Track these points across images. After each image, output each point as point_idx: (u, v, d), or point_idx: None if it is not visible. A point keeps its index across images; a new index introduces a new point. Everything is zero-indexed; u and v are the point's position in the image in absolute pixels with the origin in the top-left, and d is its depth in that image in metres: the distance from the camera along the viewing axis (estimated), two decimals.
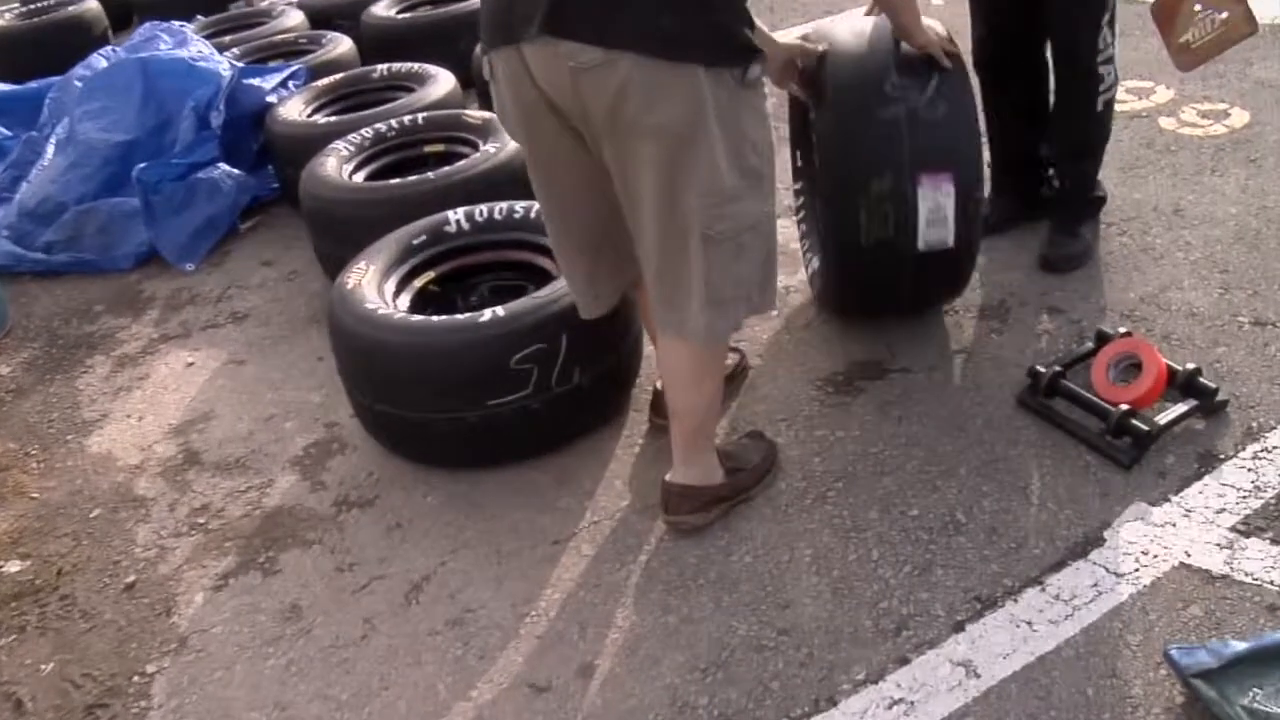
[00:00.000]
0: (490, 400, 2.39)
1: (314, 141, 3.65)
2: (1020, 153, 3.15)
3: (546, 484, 2.48)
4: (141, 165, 3.80)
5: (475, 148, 3.41)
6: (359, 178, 3.39)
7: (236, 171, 3.93)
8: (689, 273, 1.96)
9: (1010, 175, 3.20)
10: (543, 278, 2.71)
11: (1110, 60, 2.78)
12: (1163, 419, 2.32)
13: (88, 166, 4.03)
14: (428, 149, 3.56)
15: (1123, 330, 2.55)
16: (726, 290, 1.99)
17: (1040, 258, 3.00)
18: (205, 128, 3.97)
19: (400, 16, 5.03)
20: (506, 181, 3.18)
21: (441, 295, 2.79)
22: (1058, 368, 2.46)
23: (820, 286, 2.88)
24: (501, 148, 3.24)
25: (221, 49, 4.86)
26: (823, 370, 2.71)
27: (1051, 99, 3.01)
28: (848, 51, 2.45)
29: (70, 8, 6.57)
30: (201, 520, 2.59)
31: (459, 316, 2.39)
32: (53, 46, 6.10)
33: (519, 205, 2.78)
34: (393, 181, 3.18)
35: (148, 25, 5.01)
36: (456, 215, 2.80)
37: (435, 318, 2.41)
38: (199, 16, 5.77)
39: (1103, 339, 2.54)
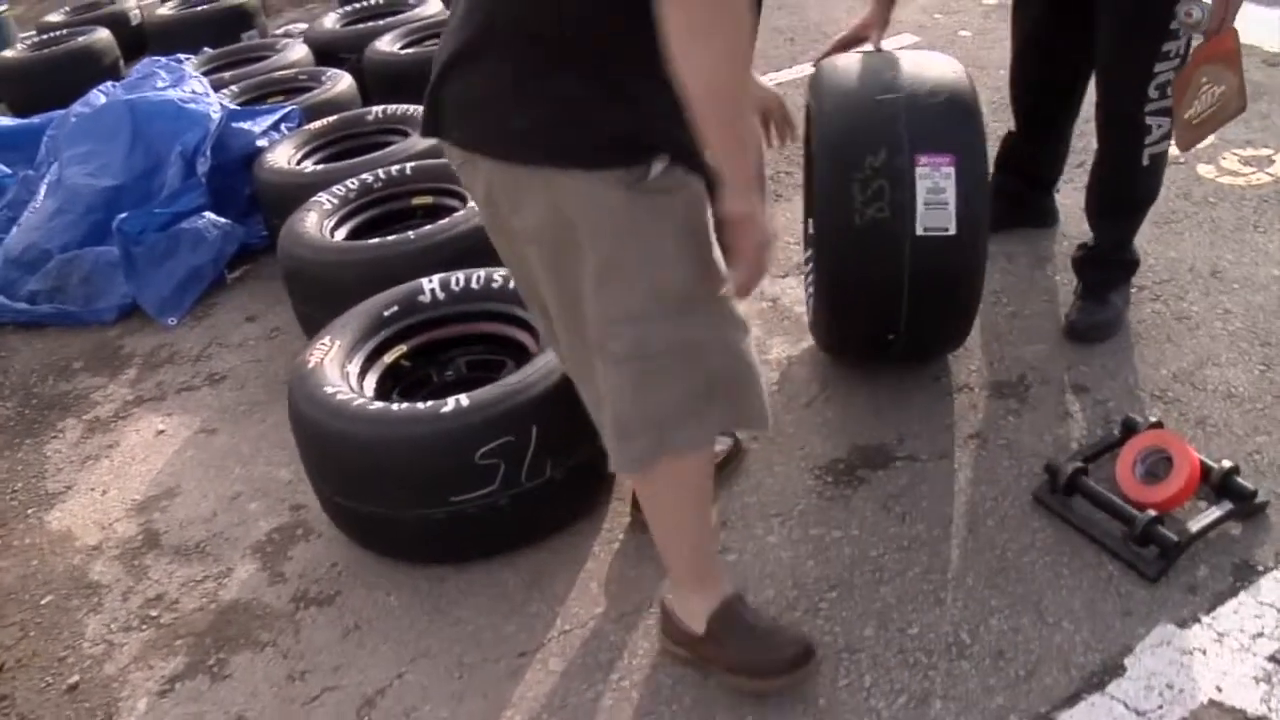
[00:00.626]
0: (453, 497, 2.20)
1: (300, 191, 3.49)
2: (1027, 165, 3.07)
3: (516, 585, 2.28)
4: (122, 215, 3.66)
5: (463, 201, 3.23)
6: (341, 234, 3.22)
7: (222, 220, 3.78)
8: (597, 392, 1.76)
9: (1010, 177, 3.09)
10: (520, 354, 2.53)
11: (1163, 112, 2.51)
12: (1194, 524, 2.09)
13: (72, 213, 3.90)
14: (415, 201, 3.39)
15: (1152, 419, 2.32)
16: (632, 419, 1.70)
17: (1066, 325, 2.77)
18: (192, 174, 3.82)
19: (404, 53, 4.87)
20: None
21: (413, 370, 2.61)
22: (1078, 463, 2.23)
23: (812, 311, 2.71)
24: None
25: (220, 85, 4.74)
26: (823, 456, 2.50)
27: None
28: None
29: (81, 38, 6.48)
30: (154, 613, 2.42)
31: (419, 406, 2.21)
32: (64, 77, 5.99)
33: (498, 274, 2.59)
34: (371, 242, 3.00)
35: (146, 62, 4.89)
36: (431, 284, 2.62)
37: (394, 407, 2.22)
38: (206, 49, 5.66)
39: (1130, 428, 2.31)
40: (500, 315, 2.57)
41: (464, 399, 2.18)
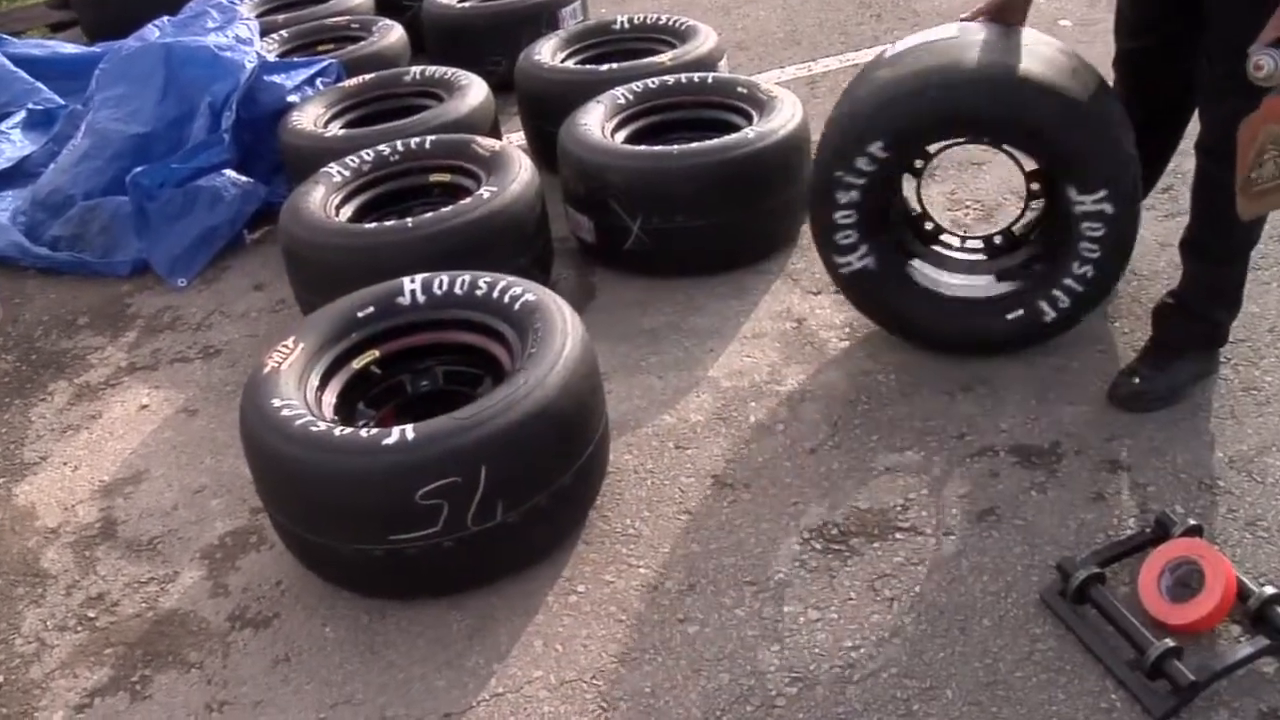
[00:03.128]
0: (393, 535, 2.02)
1: (321, 156, 3.32)
2: None
3: (459, 631, 2.10)
4: (139, 169, 3.53)
5: (478, 181, 3.02)
6: (347, 212, 3.04)
7: (243, 179, 3.63)
8: None
9: None
10: (498, 373, 2.32)
11: None
12: (1219, 660, 1.80)
13: (99, 159, 3.80)
14: (434, 179, 3.18)
15: (1191, 521, 2.01)
16: None
17: (1110, 386, 2.45)
18: (218, 127, 3.68)
19: (460, 6, 4.64)
20: (497, 235, 2.79)
21: (385, 377, 2.42)
22: (1094, 568, 1.95)
23: None
24: (500, 191, 2.84)
25: (271, 30, 4.58)
26: (816, 517, 2.25)
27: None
28: None
29: None
30: (92, 614, 2.31)
31: (362, 434, 2.02)
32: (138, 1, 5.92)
33: (483, 279, 2.37)
34: (370, 227, 2.81)
35: (199, 0, 4.75)
36: (413, 285, 2.42)
37: (336, 432, 2.03)
38: None
39: (1163, 529, 2.01)
40: (481, 327, 2.36)
41: (410, 431, 1.99)
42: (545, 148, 3.75)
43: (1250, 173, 2.01)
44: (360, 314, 2.39)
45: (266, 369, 2.22)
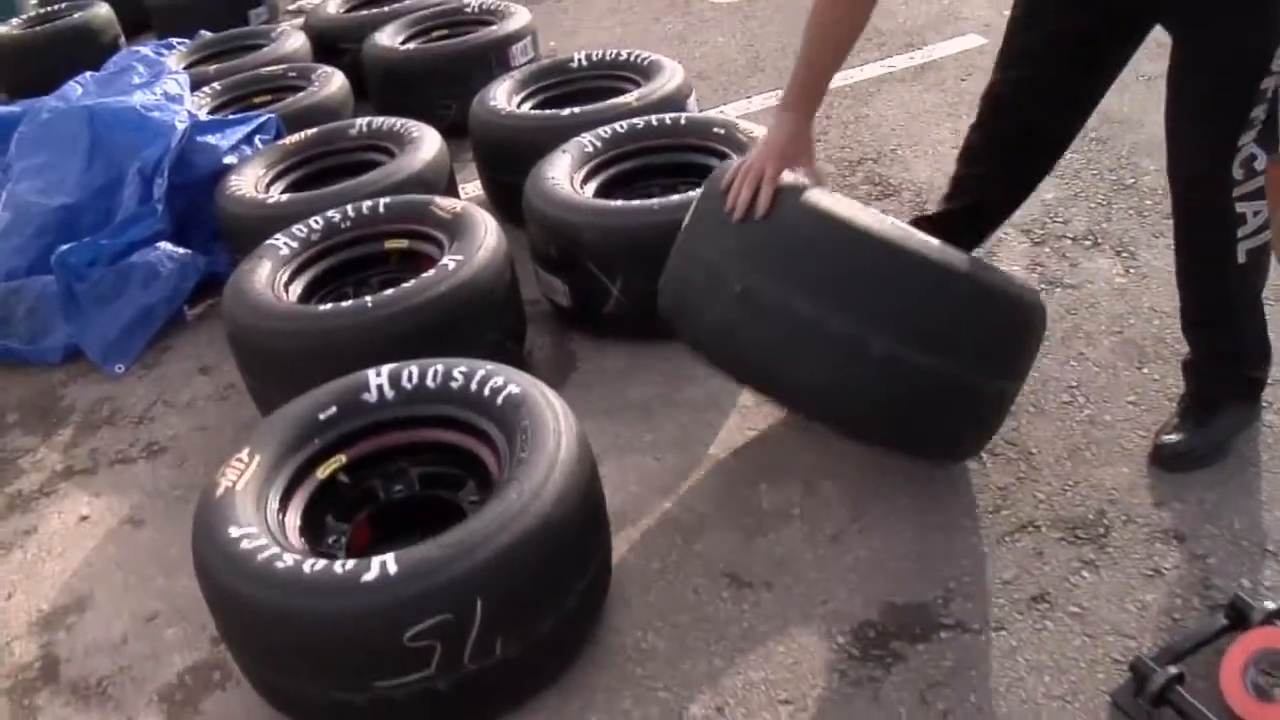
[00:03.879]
0: (378, 682, 1.75)
1: (263, 225, 3.05)
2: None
3: None
4: (64, 247, 3.23)
5: (440, 249, 2.76)
6: (297, 287, 2.77)
7: (180, 251, 3.35)
8: None
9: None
10: (482, 474, 2.07)
11: (1255, 195, 1.99)
12: None
13: (20, 235, 3.48)
14: (389, 245, 2.92)
15: (1269, 605, 1.81)
16: None
17: (1152, 448, 2.25)
18: (150, 196, 3.39)
19: (403, 48, 4.38)
20: (466, 310, 2.54)
21: (354, 485, 2.16)
22: (1173, 670, 1.73)
23: None
24: (465, 260, 2.58)
25: (203, 82, 4.29)
26: (851, 616, 2.02)
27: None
28: None
29: (79, 14, 6.06)
30: None
31: (337, 569, 1.75)
32: (61, 56, 5.58)
33: (458, 369, 2.12)
34: (324, 309, 2.53)
35: (124, 53, 4.48)
36: (379, 378, 2.16)
37: (307, 568, 1.76)
38: (203, 32, 5.20)
39: (1239, 615, 1.81)
40: (459, 424, 2.10)
41: (391, 564, 1.72)
42: (506, 199, 3.51)
43: None
44: (321, 416, 2.12)
45: (219, 491, 1.95)
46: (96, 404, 3.11)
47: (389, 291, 2.51)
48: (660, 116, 3.17)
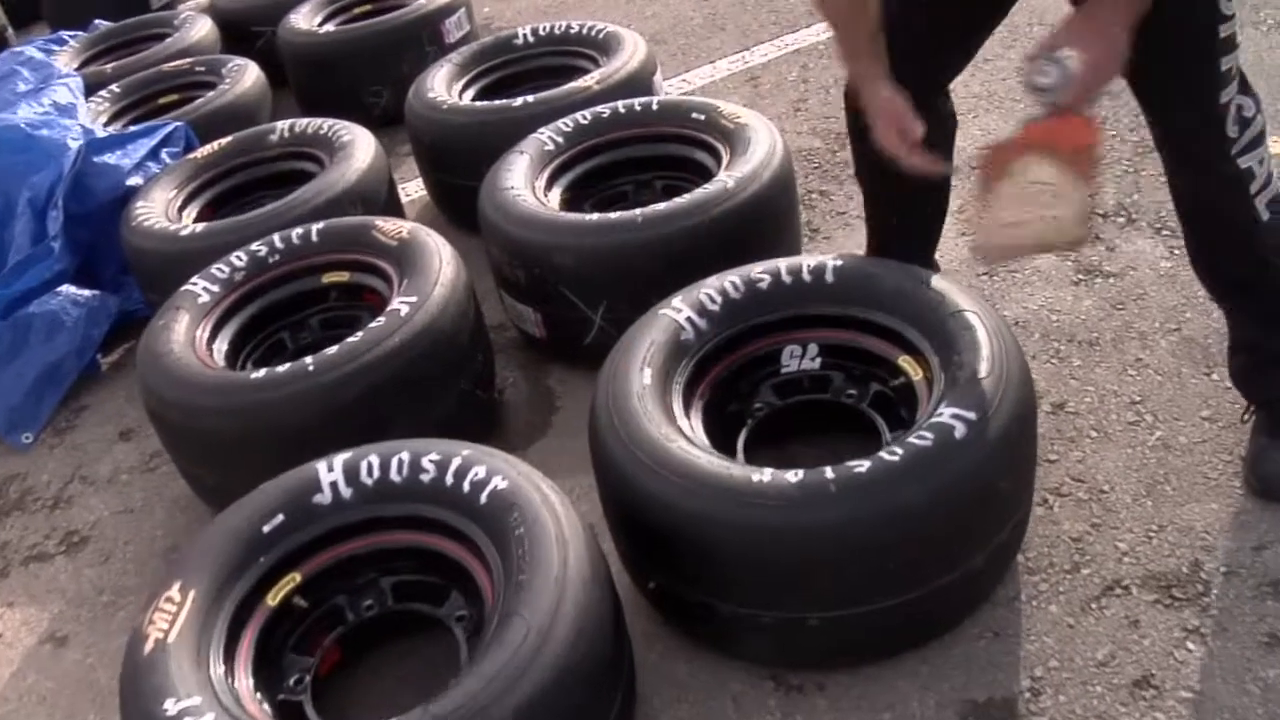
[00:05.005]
0: None
1: (177, 262, 2.64)
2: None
3: None
4: None
5: (387, 283, 2.36)
6: (221, 344, 2.35)
7: (86, 293, 2.91)
8: None
9: None
10: (467, 583, 1.71)
11: (1255, 144, 1.74)
12: None
13: None
14: (327, 279, 2.51)
15: None
16: None
17: (1253, 477, 1.93)
18: (45, 233, 2.93)
19: (323, 30, 3.91)
20: (427, 363, 2.15)
21: (314, 606, 1.78)
22: None
23: None
24: (421, 300, 2.18)
25: (99, 84, 3.80)
26: (922, 717, 1.69)
27: None
28: None
29: None
30: None
31: None
32: None
33: (428, 458, 1.74)
34: (257, 377, 2.11)
35: (6, 56, 3.95)
36: (332, 473, 1.77)
37: None
38: (99, 21, 4.65)
39: None
40: (436, 525, 1.73)
41: None
42: (455, 203, 3.12)
43: (1000, 210, 1.69)
44: (266, 528, 1.74)
45: (148, 646, 1.57)
46: (2, 484, 2.69)
47: (333, 351, 2.11)
48: (628, 103, 2.76)
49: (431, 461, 1.74)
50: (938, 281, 1.90)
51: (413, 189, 3.50)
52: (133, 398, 2.82)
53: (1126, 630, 1.76)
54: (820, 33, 3.93)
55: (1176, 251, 2.50)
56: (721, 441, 1.90)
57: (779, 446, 2.07)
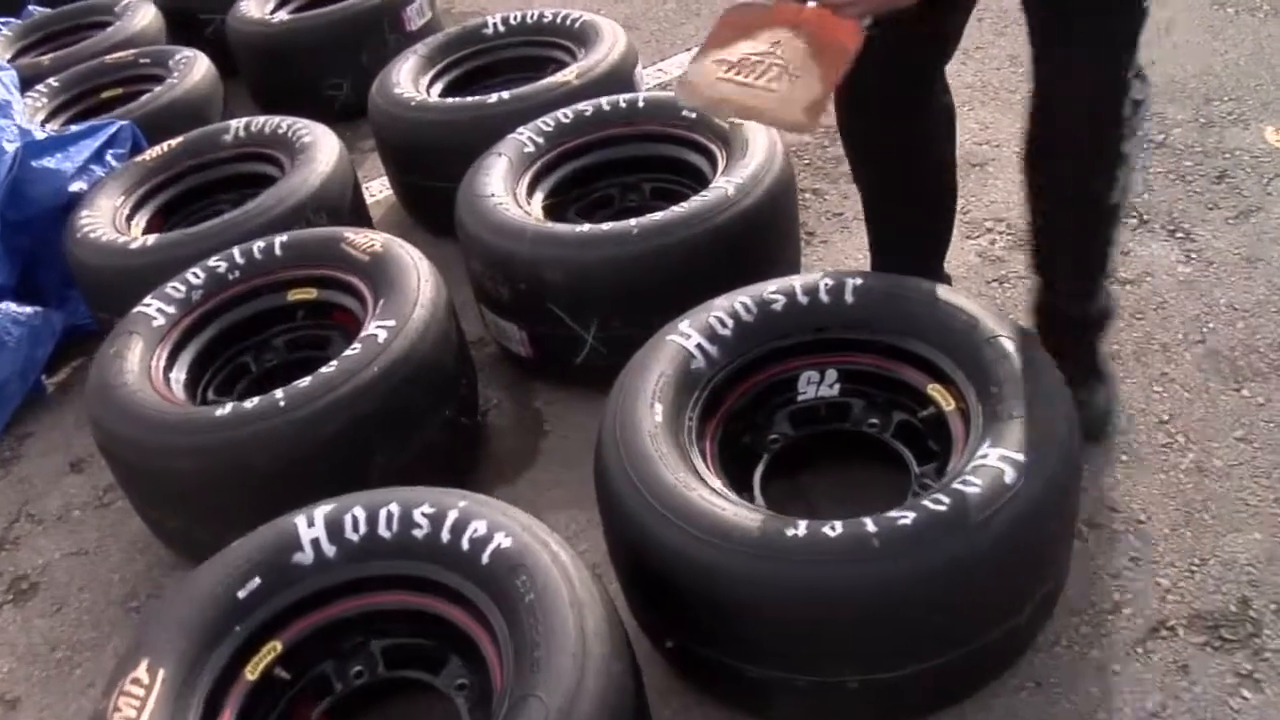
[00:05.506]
0: None
1: (126, 279, 2.44)
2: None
3: None
4: None
5: (360, 300, 2.18)
6: (179, 373, 2.16)
7: (28, 310, 2.69)
8: None
9: None
10: (466, 647, 1.55)
11: (1135, 132, 1.75)
12: None
13: None
14: (293, 296, 2.32)
15: None
16: None
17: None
18: None
19: (277, 18, 3.68)
20: (408, 392, 1.97)
21: (297, 676, 1.61)
22: None
23: None
24: (401, 325, 2.00)
25: (36, 78, 3.55)
26: None
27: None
28: None
29: None
30: None
31: None
32: None
33: (420, 511, 1.57)
34: (223, 414, 1.90)
35: None
36: (313, 529, 1.59)
37: None
38: (32, 7, 4.37)
39: None
40: (431, 584, 1.56)
41: None
42: (425, 206, 2.95)
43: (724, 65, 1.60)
44: (241, 593, 1.56)
45: None
46: None
47: (306, 383, 1.92)
48: (613, 100, 2.59)
49: (425, 515, 1.57)
50: (968, 302, 1.76)
51: (376, 188, 3.31)
52: (83, 423, 2.60)
53: (1175, 676, 1.64)
54: None
55: (1193, 256, 2.39)
56: (736, 475, 1.76)
57: (791, 477, 1.94)
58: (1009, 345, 1.66)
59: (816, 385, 1.87)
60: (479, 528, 1.53)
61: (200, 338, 2.25)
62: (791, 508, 1.87)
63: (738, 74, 1.60)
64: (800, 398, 1.88)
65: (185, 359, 2.20)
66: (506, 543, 1.50)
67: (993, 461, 1.49)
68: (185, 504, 1.98)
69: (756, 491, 1.77)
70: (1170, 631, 1.70)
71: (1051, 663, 1.69)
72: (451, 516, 1.55)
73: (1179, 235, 2.45)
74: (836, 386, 1.87)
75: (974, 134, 2.92)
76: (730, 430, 1.81)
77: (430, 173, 2.81)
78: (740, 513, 1.50)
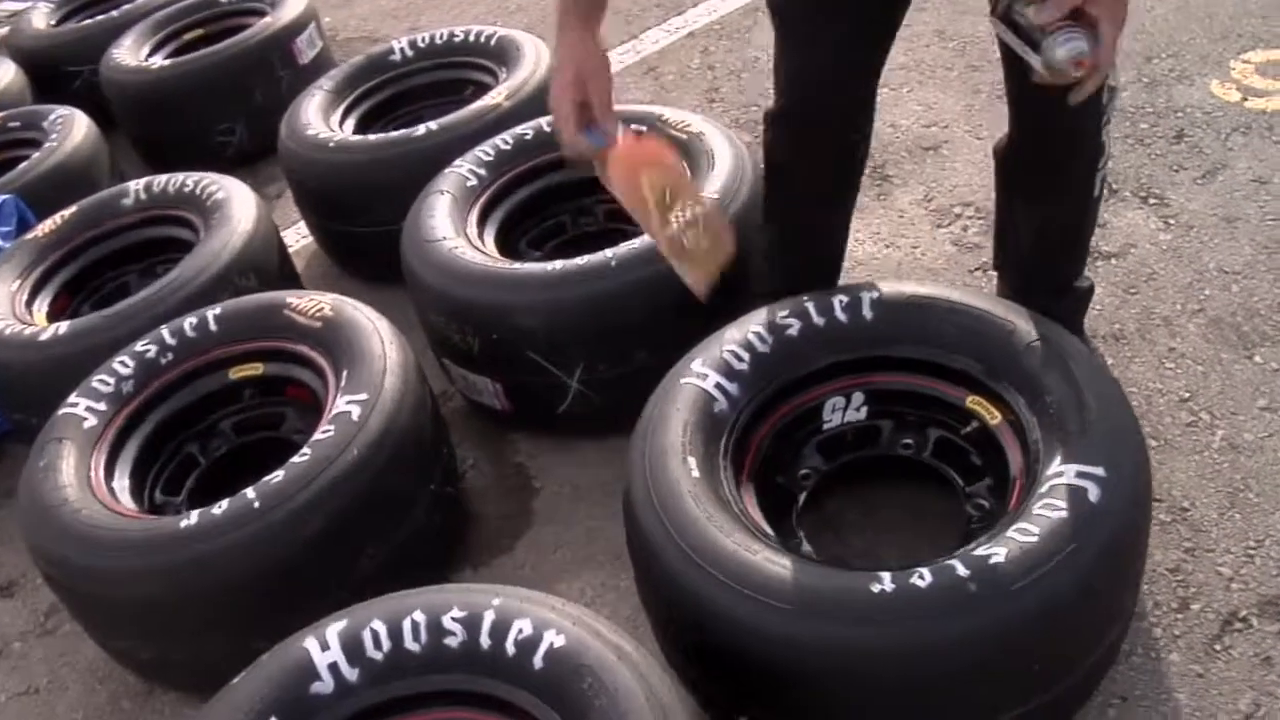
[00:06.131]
0: None
1: (41, 377, 2.19)
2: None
3: None
4: None
5: (317, 372, 1.97)
6: (123, 479, 1.92)
7: None
8: None
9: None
10: None
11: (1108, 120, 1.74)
12: None
13: None
14: (236, 374, 2.09)
15: None
16: None
17: None
18: None
19: (157, 65, 3.38)
20: (397, 466, 1.79)
21: None
22: None
23: None
24: (374, 398, 1.80)
25: None
26: None
27: None
28: None
29: None
30: None
31: None
32: None
33: (451, 612, 1.38)
34: (189, 523, 1.66)
35: None
36: (328, 653, 1.38)
37: None
38: None
39: None
40: (476, 697, 1.38)
41: None
42: (351, 252, 2.74)
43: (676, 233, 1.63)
44: None
45: None
46: None
47: (279, 477, 1.71)
48: (551, 120, 2.41)
49: (456, 620, 1.38)
50: (995, 305, 1.65)
51: (291, 238, 3.06)
52: (8, 539, 2.33)
53: (1262, 671, 1.57)
54: (712, 10, 3.65)
55: (1172, 222, 2.34)
56: (772, 520, 1.62)
57: (817, 509, 1.81)
58: (1051, 349, 1.56)
59: (842, 411, 1.74)
60: (523, 627, 1.36)
61: (139, 434, 2.01)
62: (821, 540, 1.75)
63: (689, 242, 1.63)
64: (826, 426, 1.75)
65: (126, 462, 1.96)
66: (560, 642, 1.33)
67: (1071, 479, 1.38)
68: (157, 632, 1.75)
69: (802, 538, 1.63)
70: (1244, 623, 1.62)
71: (1132, 674, 1.59)
72: (488, 619, 1.37)
73: (1152, 202, 2.40)
74: (863, 410, 1.74)
75: (919, 116, 2.84)
76: (763, 472, 1.67)
77: (359, 217, 2.60)
78: (815, 572, 1.36)
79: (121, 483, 1.91)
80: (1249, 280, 2.16)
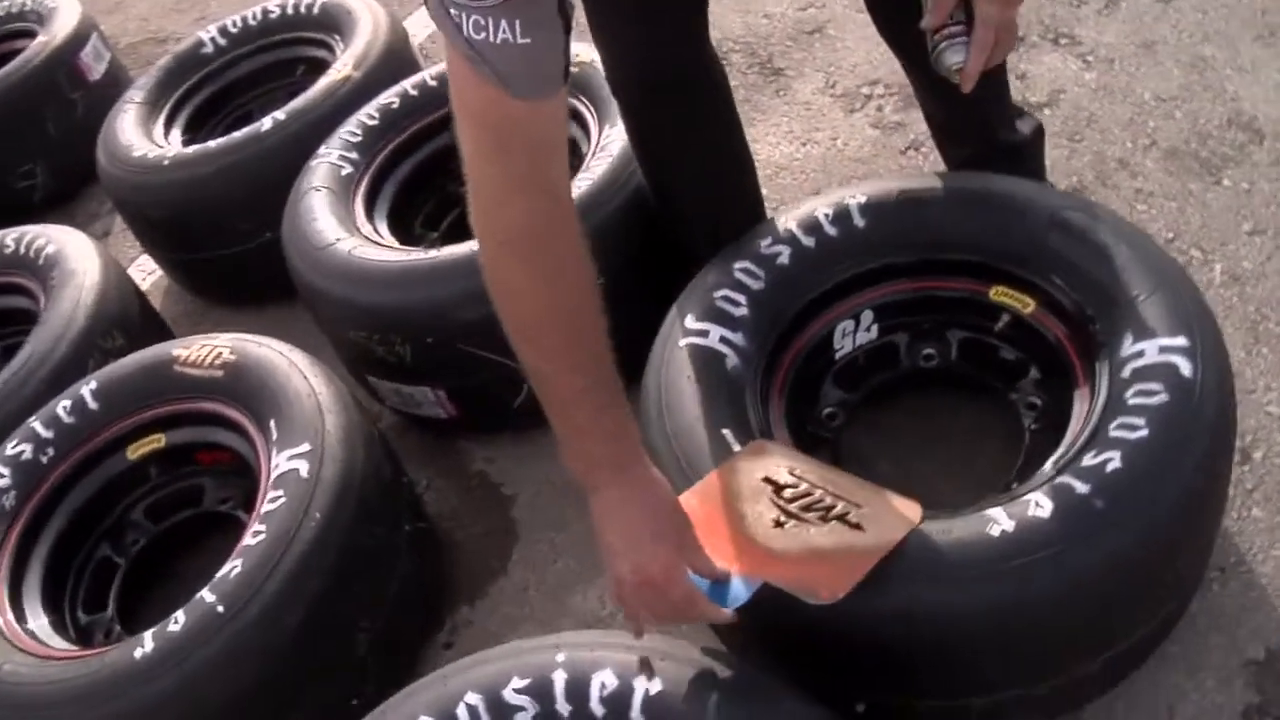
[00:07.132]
0: None
1: None
2: None
3: None
4: None
5: (240, 433, 1.68)
6: (36, 618, 1.59)
7: None
8: None
9: None
10: None
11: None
12: None
13: None
14: (135, 453, 1.77)
15: None
16: None
17: None
18: None
19: None
20: (367, 518, 1.53)
21: None
22: None
23: None
24: (319, 446, 1.52)
25: None
26: None
27: None
28: None
29: None
30: None
31: None
32: None
33: (514, 683, 1.16)
34: (142, 654, 1.36)
35: None
36: None
37: None
38: None
39: None
40: None
41: None
42: (210, 279, 2.42)
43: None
44: None
45: None
46: None
47: (237, 569, 1.42)
48: (419, 81, 2.15)
49: (521, 692, 1.16)
50: (1003, 182, 1.49)
51: (135, 276, 2.68)
52: None
53: None
54: None
55: (1091, 59, 2.23)
56: None
57: (853, 448, 1.63)
58: (1078, 218, 1.41)
59: (852, 335, 1.56)
60: (605, 680, 1.14)
61: (39, 552, 1.69)
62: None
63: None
64: (838, 354, 1.56)
65: (33, 590, 1.63)
66: (655, 687, 1.12)
67: (1156, 357, 1.23)
68: None
69: None
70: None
71: (1222, 544, 1.48)
72: (560, 680, 1.15)
73: (1064, 42, 2.28)
74: (874, 329, 1.56)
75: (792, 1, 2.64)
76: (792, 422, 1.47)
77: (214, 239, 2.27)
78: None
79: (38, 620, 1.58)
80: (1188, 104, 2.07)
